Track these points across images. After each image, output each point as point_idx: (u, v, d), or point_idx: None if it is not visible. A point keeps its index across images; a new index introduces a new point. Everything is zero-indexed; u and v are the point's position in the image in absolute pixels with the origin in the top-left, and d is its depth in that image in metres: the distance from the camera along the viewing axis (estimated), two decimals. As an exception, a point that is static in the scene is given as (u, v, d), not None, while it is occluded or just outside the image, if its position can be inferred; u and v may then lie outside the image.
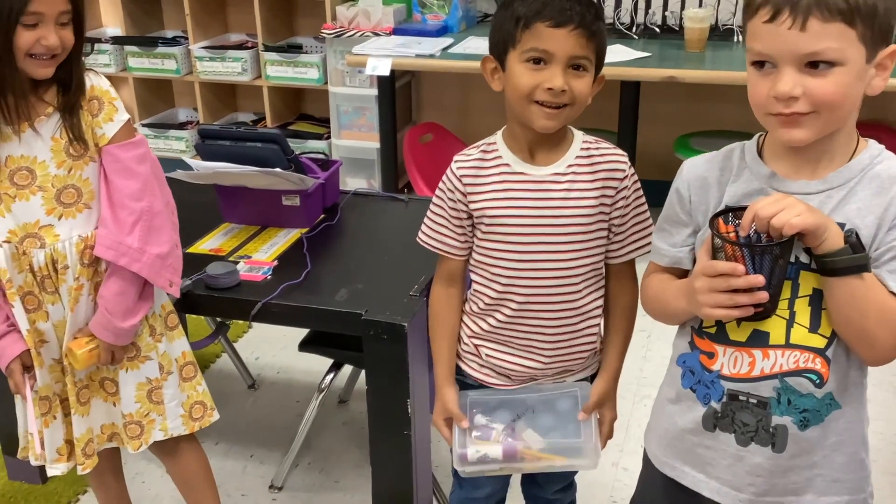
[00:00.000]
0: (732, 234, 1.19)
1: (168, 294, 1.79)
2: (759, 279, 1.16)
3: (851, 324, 1.18)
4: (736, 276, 1.17)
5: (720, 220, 1.21)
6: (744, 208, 1.18)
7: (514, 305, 1.51)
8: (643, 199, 1.52)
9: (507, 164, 1.49)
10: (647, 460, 1.45)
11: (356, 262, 2.03)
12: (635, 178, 1.51)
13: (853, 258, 1.13)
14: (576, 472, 1.76)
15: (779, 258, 1.16)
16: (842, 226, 1.17)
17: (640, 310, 1.48)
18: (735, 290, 1.18)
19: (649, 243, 1.47)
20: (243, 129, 2.15)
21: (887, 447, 2.40)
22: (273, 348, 2.95)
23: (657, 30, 3.62)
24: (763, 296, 1.17)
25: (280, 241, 2.12)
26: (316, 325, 2.07)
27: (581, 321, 1.53)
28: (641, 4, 3.65)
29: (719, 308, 1.20)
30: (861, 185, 1.20)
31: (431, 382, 1.86)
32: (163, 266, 1.69)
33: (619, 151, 1.51)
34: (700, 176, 1.30)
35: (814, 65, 1.11)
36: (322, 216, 2.24)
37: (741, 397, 1.26)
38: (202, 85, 4.27)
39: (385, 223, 2.26)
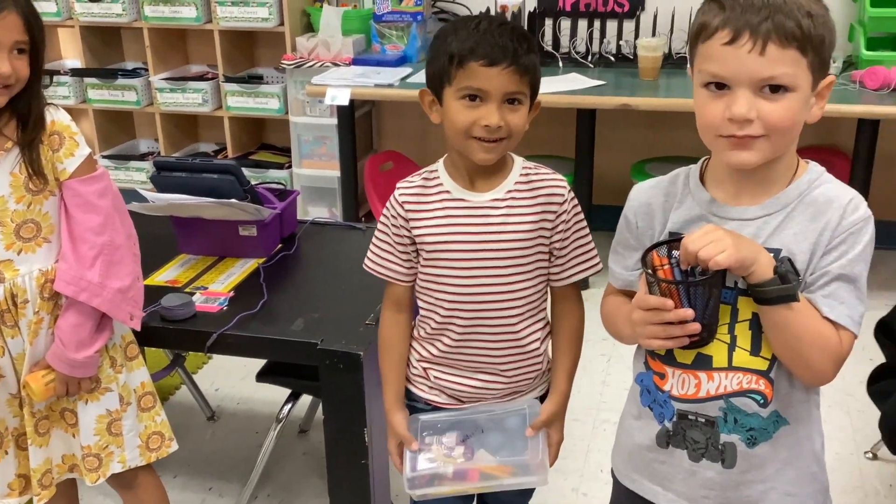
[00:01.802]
0: (667, 267, 1.21)
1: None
2: (689, 313, 1.18)
3: (786, 347, 1.21)
4: (666, 311, 1.19)
5: (655, 252, 1.23)
6: (680, 238, 1.20)
7: (458, 329, 1.53)
8: (584, 223, 1.55)
9: (447, 191, 1.51)
10: (614, 475, 1.48)
11: (313, 292, 2.04)
12: (575, 202, 1.54)
13: (782, 289, 1.15)
14: (531, 493, 1.77)
15: (711, 289, 1.18)
16: (778, 251, 1.20)
17: (599, 336, 1.50)
18: (669, 323, 1.20)
19: (591, 266, 1.53)
20: (199, 161, 2.17)
21: (843, 467, 2.44)
22: (233, 379, 2.94)
23: (612, 58, 3.68)
24: (695, 327, 1.19)
25: (237, 271, 2.12)
26: (272, 356, 2.07)
27: (526, 343, 1.55)
28: (596, 34, 3.72)
29: (655, 339, 1.23)
30: (798, 210, 1.22)
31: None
32: (123, 300, 1.68)
33: (559, 177, 1.53)
34: (646, 202, 1.33)
35: (773, 88, 1.14)
36: (279, 246, 2.24)
37: (690, 417, 1.29)
38: (163, 116, 4.26)
39: (342, 252, 2.27)
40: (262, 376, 2.22)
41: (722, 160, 1.22)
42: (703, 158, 1.31)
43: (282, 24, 3.92)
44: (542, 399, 1.61)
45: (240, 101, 4.10)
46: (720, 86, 1.17)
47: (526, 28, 3.65)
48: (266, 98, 4.05)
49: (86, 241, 1.64)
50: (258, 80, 4.12)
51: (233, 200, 2.06)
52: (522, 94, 1.43)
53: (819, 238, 1.20)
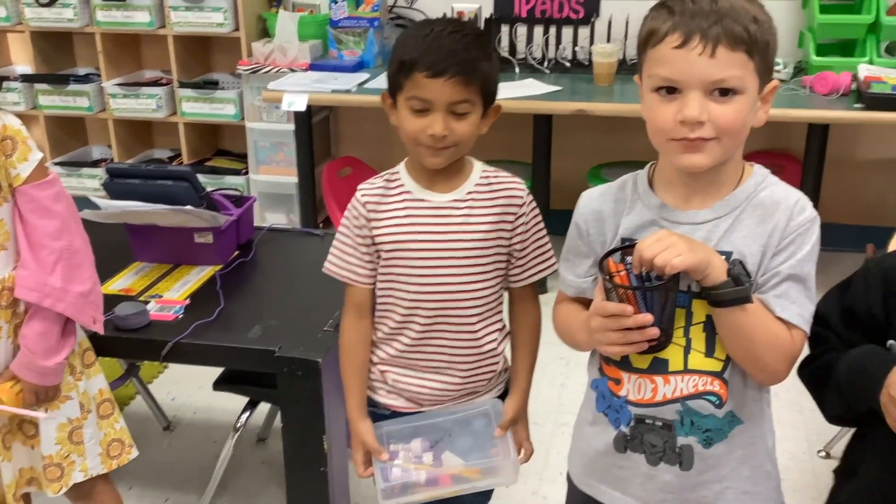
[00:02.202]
0: (623, 273, 1.22)
1: (87, 331, 1.77)
2: (648, 318, 1.19)
3: (741, 349, 1.23)
4: (626, 317, 1.20)
5: (610, 259, 1.24)
6: (634, 244, 1.21)
7: (418, 328, 1.54)
8: (542, 225, 1.57)
9: (409, 192, 1.53)
10: (569, 479, 1.48)
11: (270, 299, 2.02)
12: (534, 205, 1.55)
13: (735, 291, 1.17)
14: (490, 496, 1.78)
15: (668, 293, 1.20)
16: (730, 254, 1.22)
17: (557, 339, 1.51)
18: (628, 328, 1.21)
19: (548, 266, 1.56)
20: (153, 167, 2.13)
21: (797, 465, 2.48)
22: (190, 388, 2.90)
23: (567, 64, 3.71)
24: (654, 332, 1.20)
25: (193, 279, 2.09)
26: (229, 364, 2.05)
27: (483, 343, 1.57)
28: (552, 40, 3.74)
29: (614, 346, 1.23)
30: (746, 212, 1.24)
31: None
32: (86, 304, 1.67)
33: (518, 180, 1.55)
34: (596, 209, 1.34)
35: (722, 92, 1.16)
36: (236, 253, 2.22)
37: (647, 421, 1.30)
38: (116, 122, 4.20)
39: (300, 258, 2.25)
40: (220, 385, 2.19)
41: (673, 164, 1.23)
42: (649, 163, 1.33)
43: (237, 29, 3.89)
44: (500, 398, 1.63)
45: (195, 107, 4.05)
46: (671, 90, 1.18)
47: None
48: (222, 104, 4.01)
49: (44, 246, 1.62)
50: (213, 85, 4.08)
51: (188, 207, 2.03)
52: (468, 102, 1.44)
53: (769, 240, 1.22)
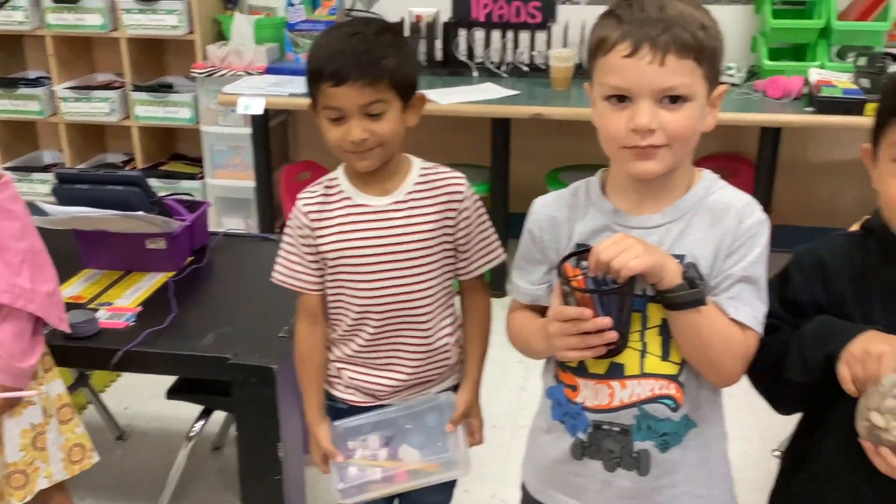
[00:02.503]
0: (580, 277, 1.22)
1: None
2: (607, 321, 1.18)
3: (696, 351, 1.24)
4: (585, 321, 1.19)
5: (567, 264, 1.24)
6: (589, 249, 1.21)
7: (370, 330, 1.55)
8: (485, 216, 1.58)
9: (349, 198, 1.52)
10: (524, 489, 1.47)
11: (224, 305, 2.00)
12: (475, 197, 1.56)
13: (691, 293, 1.18)
14: (452, 494, 1.77)
15: (625, 296, 1.20)
16: (683, 258, 1.22)
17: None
18: (587, 332, 1.20)
19: (495, 257, 1.58)
20: (103, 173, 2.10)
21: (752, 465, 2.51)
22: (143, 396, 2.85)
23: (525, 69, 3.72)
24: (613, 335, 1.20)
25: (145, 285, 2.06)
26: (182, 372, 2.02)
27: (436, 338, 1.58)
28: (510, 45, 3.75)
29: (573, 350, 1.23)
30: (697, 216, 1.25)
31: (304, 423, 1.83)
32: (51, 303, 1.68)
33: (458, 174, 1.55)
34: (550, 215, 1.34)
35: (672, 99, 1.16)
36: (190, 259, 2.19)
37: (605, 426, 1.30)
38: (68, 126, 4.13)
39: (255, 264, 2.22)
40: (173, 393, 2.16)
41: (626, 171, 1.24)
42: (601, 170, 1.33)
43: (192, 31, 3.84)
44: (454, 389, 1.64)
45: (149, 111, 4.00)
46: (621, 98, 1.19)
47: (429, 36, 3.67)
48: (176, 107, 3.96)
49: (9, 248, 1.61)
50: (168, 88, 4.03)
51: (139, 213, 2.00)
52: (382, 101, 1.43)
53: (720, 243, 1.23)
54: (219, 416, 2.41)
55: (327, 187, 1.54)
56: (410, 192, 1.52)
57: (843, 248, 1.26)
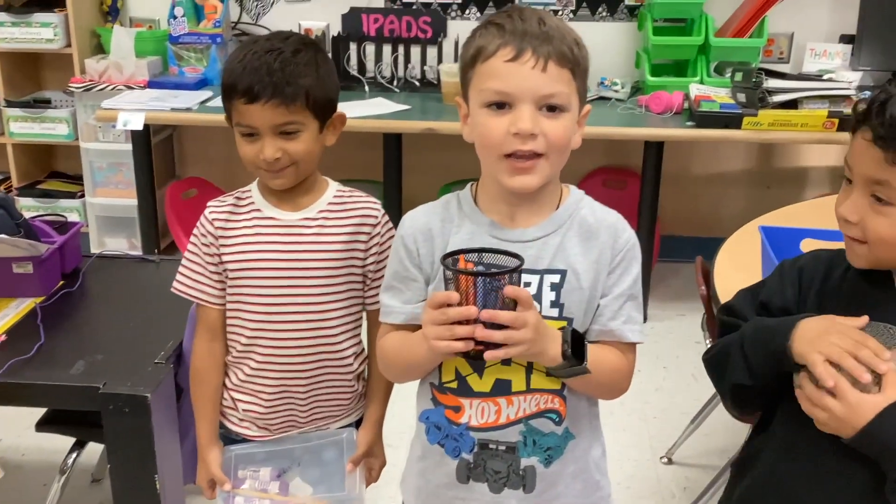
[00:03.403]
0: (470, 266, 1.20)
1: None
2: (472, 310, 1.13)
3: (586, 389, 1.29)
4: (452, 306, 1.14)
5: (462, 256, 1.20)
6: (475, 250, 1.21)
7: (263, 351, 1.49)
8: None
9: (258, 210, 1.49)
10: None
11: (97, 331, 1.91)
12: (389, 225, 1.53)
13: (572, 370, 1.21)
14: None
15: (500, 291, 1.14)
16: (564, 272, 1.23)
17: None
18: (458, 323, 1.14)
19: None
20: (-37, 193, 1.97)
21: (641, 473, 2.54)
22: (17, 428, 2.69)
23: (417, 83, 3.72)
24: (480, 328, 1.13)
25: (10, 312, 1.94)
26: (49, 403, 1.91)
27: (338, 368, 1.53)
28: (401, 59, 3.74)
29: (441, 340, 1.16)
30: (572, 230, 1.27)
31: (188, 451, 1.76)
32: None
33: (373, 200, 1.53)
34: (425, 227, 1.31)
35: (550, 108, 1.18)
36: (61, 283, 2.08)
37: (491, 446, 1.29)
38: (-65, 143, 3.90)
39: (132, 287, 2.13)
40: (42, 426, 2.04)
41: (503, 184, 1.23)
42: (471, 182, 1.33)
43: (69, 45, 3.69)
44: (357, 424, 1.59)
45: (24, 127, 3.82)
46: (501, 105, 1.19)
47: (329, 50, 3.63)
48: (53, 123, 3.79)
49: None
50: (45, 104, 3.86)
51: (2, 236, 1.89)
52: (295, 122, 1.40)
53: (600, 257, 1.25)
54: (96, 446, 2.29)
55: (238, 198, 1.51)
56: (322, 211, 1.49)
57: (823, 261, 1.29)
